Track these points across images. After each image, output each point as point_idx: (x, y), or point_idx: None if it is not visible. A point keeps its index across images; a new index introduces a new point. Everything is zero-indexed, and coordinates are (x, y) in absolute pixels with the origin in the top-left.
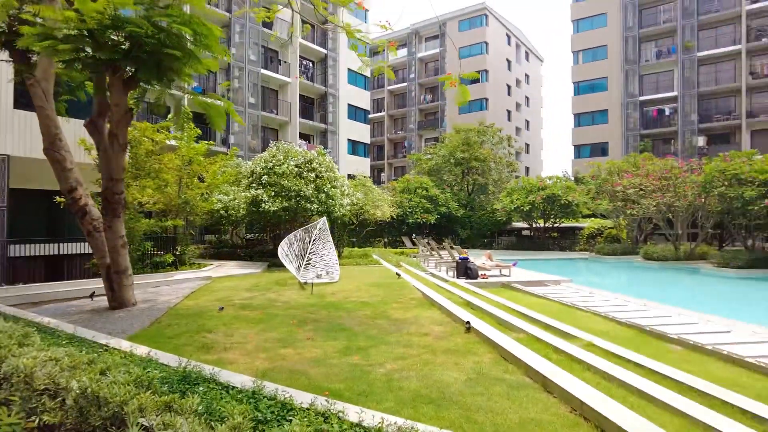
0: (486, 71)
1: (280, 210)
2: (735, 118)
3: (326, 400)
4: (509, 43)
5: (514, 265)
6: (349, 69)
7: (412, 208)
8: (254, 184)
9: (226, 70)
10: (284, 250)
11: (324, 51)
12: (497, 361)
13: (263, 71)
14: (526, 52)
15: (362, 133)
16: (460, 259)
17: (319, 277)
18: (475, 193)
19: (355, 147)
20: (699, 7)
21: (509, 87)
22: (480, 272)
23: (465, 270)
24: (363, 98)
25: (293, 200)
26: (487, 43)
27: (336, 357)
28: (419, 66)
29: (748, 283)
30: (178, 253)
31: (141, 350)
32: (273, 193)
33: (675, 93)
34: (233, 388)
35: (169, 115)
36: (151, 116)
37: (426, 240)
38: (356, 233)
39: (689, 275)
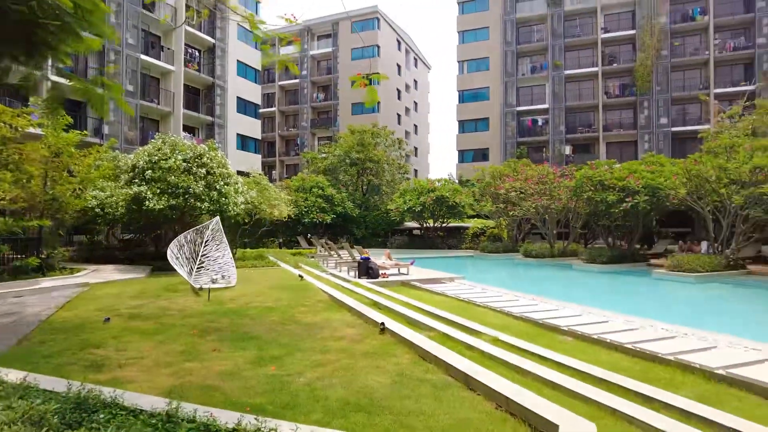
0: (377, 74)
1: (166, 209)
2: (594, 131)
3: (255, 418)
4: (399, 49)
5: (411, 263)
6: (239, 61)
7: (308, 207)
8: (136, 180)
9: (100, 54)
10: (174, 252)
11: (212, 40)
12: (416, 362)
13: (143, 57)
14: (415, 59)
15: (252, 128)
16: (361, 259)
17: (214, 281)
18: (369, 193)
19: (245, 142)
20: (565, 30)
21: (399, 91)
22: (380, 271)
23: (366, 270)
24: (253, 92)
25: (181, 198)
26: (379, 47)
27: (249, 368)
28: (312, 63)
29: (613, 276)
30: (44, 256)
31: (14, 376)
32: (158, 190)
33: (547, 105)
34: (143, 412)
35: (32, 98)
36: (7, 99)
37: (324, 240)
38: (250, 234)
39: (565, 271)
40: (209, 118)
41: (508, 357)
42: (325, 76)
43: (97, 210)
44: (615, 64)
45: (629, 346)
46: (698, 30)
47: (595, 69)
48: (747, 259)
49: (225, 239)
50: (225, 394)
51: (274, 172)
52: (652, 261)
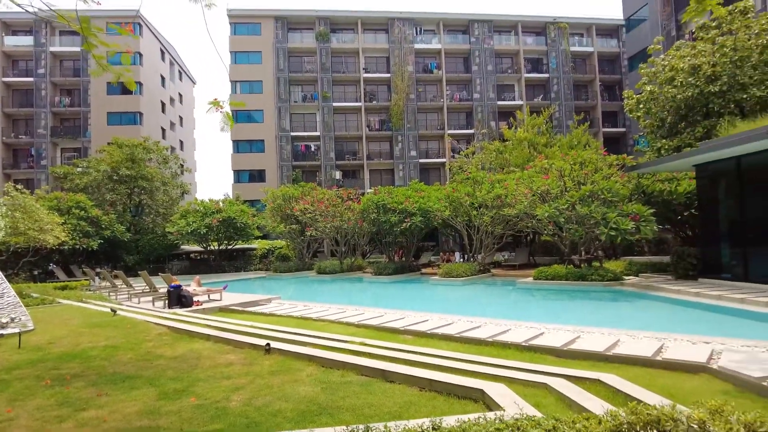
0: (140, 83)
1: None
2: (359, 158)
3: None
4: (164, 60)
5: (224, 288)
6: None
7: (68, 231)
8: None
9: None
10: None
11: None
12: (325, 371)
13: None
14: (180, 72)
15: None
16: (171, 287)
17: (3, 326)
18: (141, 214)
19: None
20: (333, 66)
21: (164, 104)
22: (194, 299)
23: (178, 298)
24: None
25: None
26: (141, 54)
27: (166, 404)
28: (52, 61)
29: (402, 284)
30: None
31: None
32: None
33: (318, 133)
34: None
35: None
36: None
37: (108, 270)
38: (6, 266)
39: (361, 283)
40: None
41: (393, 353)
42: (72, 78)
43: None
44: (375, 102)
45: (457, 335)
46: (435, 81)
47: (358, 104)
48: (490, 264)
49: (1, 274)
50: (173, 430)
51: None
52: (423, 270)
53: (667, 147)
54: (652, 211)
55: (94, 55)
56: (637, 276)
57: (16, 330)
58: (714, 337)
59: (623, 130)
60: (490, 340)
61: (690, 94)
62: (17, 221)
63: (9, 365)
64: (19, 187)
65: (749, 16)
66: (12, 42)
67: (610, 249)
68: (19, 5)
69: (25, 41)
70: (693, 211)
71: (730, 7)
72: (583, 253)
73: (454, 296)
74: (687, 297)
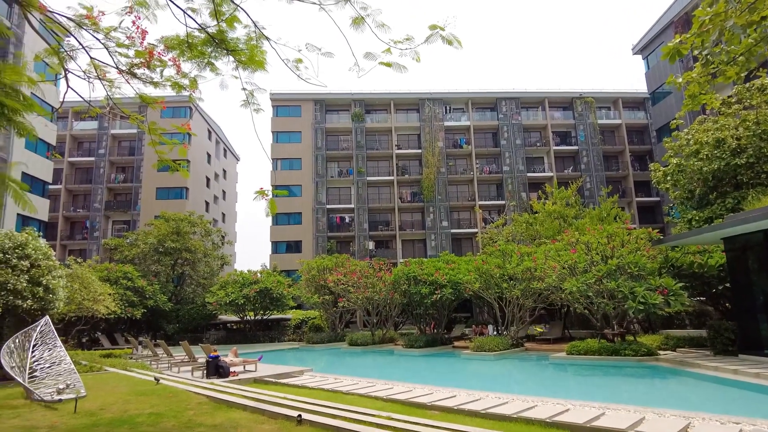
0: (188, 161)
1: None
2: (391, 229)
3: None
4: (210, 139)
5: (260, 359)
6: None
7: (116, 301)
8: None
9: None
10: (7, 361)
11: None
12: None
13: None
14: (225, 150)
15: (39, 208)
16: (210, 357)
17: (60, 392)
18: (183, 285)
19: (26, 224)
20: (367, 143)
21: (208, 179)
22: (230, 369)
23: (216, 369)
24: (44, 168)
25: None
26: (190, 135)
27: None
28: (112, 142)
29: (432, 358)
30: None
31: None
32: None
33: (352, 205)
34: None
35: None
36: None
37: (149, 339)
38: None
39: (392, 356)
40: None
41: (413, 428)
42: (127, 156)
43: None
44: (407, 175)
45: (483, 411)
46: (465, 155)
47: (391, 177)
48: (523, 338)
49: (59, 341)
50: None
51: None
52: (456, 343)
53: (697, 218)
54: (681, 284)
55: (156, 150)
56: (674, 351)
57: (72, 396)
58: (744, 418)
59: (657, 199)
60: (515, 416)
61: (716, 166)
62: (75, 292)
63: (67, 429)
64: (78, 260)
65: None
66: (80, 127)
67: (646, 322)
68: (101, 112)
69: (91, 125)
70: (728, 284)
71: (747, 84)
72: (615, 326)
73: (484, 371)
74: (724, 374)
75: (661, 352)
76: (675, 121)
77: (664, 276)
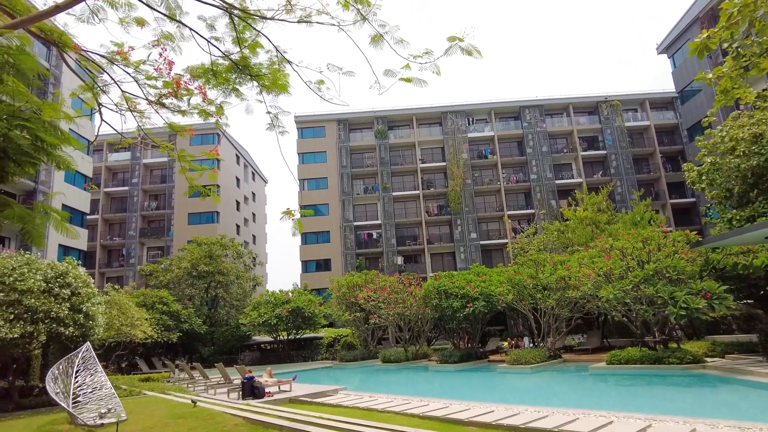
0: (218, 186)
1: (18, 338)
2: (419, 243)
3: None
4: (238, 163)
5: (294, 379)
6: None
7: (152, 326)
8: None
9: None
10: (52, 387)
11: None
12: None
13: None
14: (253, 173)
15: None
16: (245, 378)
17: (102, 416)
18: (216, 307)
19: (67, 254)
20: (391, 159)
21: (238, 203)
22: (265, 389)
23: (252, 390)
24: (82, 199)
25: (41, 324)
26: (218, 160)
27: None
28: (144, 171)
29: (468, 374)
30: None
31: None
32: (12, 317)
33: (379, 221)
34: None
35: None
36: None
37: (185, 361)
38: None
39: (426, 373)
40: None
41: None
42: (159, 184)
43: None
44: (432, 189)
45: (522, 426)
46: (491, 165)
47: (417, 192)
48: (560, 349)
49: (100, 367)
50: None
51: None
52: (491, 357)
53: (738, 217)
54: (725, 287)
55: (187, 177)
56: (722, 357)
57: (114, 420)
58: None
59: (693, 200)
60: (556, 430)
61: (755, 162)
62: (113, 318)
63: None
64: (116, 286)
65: None
66: (114, 158)
67: (689, 328)
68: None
69: (124, 156)
70: None
71: None
72: (657, 333)
73: (522, 385)
74: None
75: (709, 359)
76: (707, 118)
77: (705, 279)
